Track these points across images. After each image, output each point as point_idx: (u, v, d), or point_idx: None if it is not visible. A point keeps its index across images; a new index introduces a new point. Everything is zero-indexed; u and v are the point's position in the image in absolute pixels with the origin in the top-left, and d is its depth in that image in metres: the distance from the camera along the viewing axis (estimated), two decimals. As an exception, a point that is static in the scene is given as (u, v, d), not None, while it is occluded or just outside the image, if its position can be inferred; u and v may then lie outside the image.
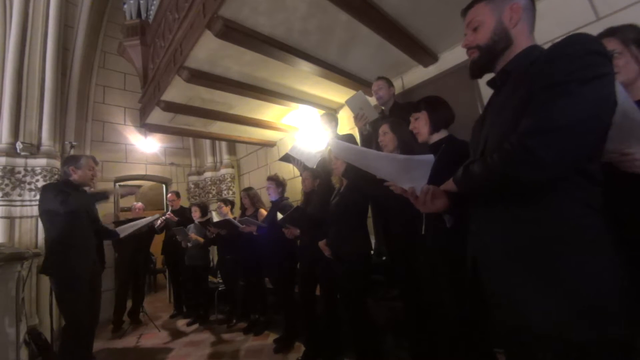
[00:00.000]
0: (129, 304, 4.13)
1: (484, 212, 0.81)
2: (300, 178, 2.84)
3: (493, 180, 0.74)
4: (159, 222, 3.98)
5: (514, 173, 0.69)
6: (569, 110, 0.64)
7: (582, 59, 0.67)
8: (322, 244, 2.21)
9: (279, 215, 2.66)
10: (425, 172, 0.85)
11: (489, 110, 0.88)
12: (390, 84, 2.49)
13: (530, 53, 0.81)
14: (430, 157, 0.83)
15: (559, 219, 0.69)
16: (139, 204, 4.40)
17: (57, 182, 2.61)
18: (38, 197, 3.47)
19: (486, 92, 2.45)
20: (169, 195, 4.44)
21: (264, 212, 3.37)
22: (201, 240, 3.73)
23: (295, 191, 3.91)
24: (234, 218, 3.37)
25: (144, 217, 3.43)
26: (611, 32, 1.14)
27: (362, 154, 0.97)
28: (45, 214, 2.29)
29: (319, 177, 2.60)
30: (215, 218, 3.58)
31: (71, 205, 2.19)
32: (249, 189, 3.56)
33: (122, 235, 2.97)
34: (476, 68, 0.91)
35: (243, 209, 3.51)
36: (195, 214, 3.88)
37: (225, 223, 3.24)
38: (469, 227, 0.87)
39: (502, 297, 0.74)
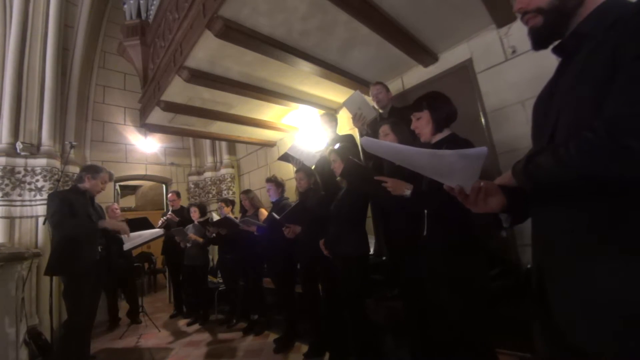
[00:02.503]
0: (125, 304, 4.17)
1: (550, 213, 0.67)
2: (300, 178, 2.84)
3: (567, 176, 0.59)
4: (160, 222, 4.00)
5: (598, 169, 0.54)
6: None
7: None
8: (321, 243, 2.23)
9: (276, 216, 2.66)
10: (476, 167, 0.72)
11: (558, 85, 0.71)
12: (387, 89, 2.51)
13: (610, 9, 0.63)
14: (482, 150, 0.70)
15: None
16: (114, 205, 4.06)
17: (64, 190, 2.76)
18: (38, 197, 3.53)
19: (486, 92, 2.45)
20: (170, 195, 4.44)
21: (264, 211, 3.37)
22: (200, 240, 3.73)
23: (295, 191, 3.91)
24: (235, 218, 3.38)
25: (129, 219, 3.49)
26: None
27: (400, 150, 0.86)
28: (52, 220, 2.42)
29: (312, 175, 2.60)
30: (216, 218, 3.59)
31: (63, 231, 2.32)
32: (248, 191, 3.57)
33: (126, 247, 3.08)
34: (542, 37, 0.72)
35: (243, 210, 3.52)
36: (195, 214, 3.88)
37: (224, 221, 3.24)
38: (532, 229, 0.74)
39: (569, 318, 0.63)
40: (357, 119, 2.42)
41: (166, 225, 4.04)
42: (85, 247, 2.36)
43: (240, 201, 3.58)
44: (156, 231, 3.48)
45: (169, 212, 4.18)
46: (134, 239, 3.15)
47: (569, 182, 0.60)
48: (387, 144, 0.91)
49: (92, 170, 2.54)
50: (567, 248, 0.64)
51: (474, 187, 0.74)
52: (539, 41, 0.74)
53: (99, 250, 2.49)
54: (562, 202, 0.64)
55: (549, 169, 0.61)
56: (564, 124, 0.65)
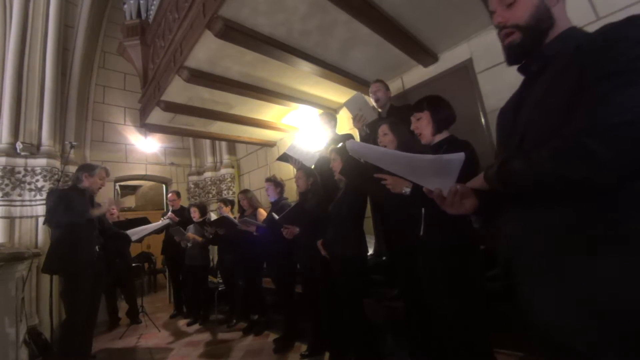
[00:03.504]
0: (125, 304, 4.18)
1: (521, 213, 0.72)
2: (300, 178, 2.83)
3: (538, 179, 0.65)
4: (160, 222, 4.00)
5: (567, 173, 0.60)
6: (634, 103, 0.54)
7: (633, 47, 0.57)
8: (319, 243, 2.23)
9: (275, 216, 2.66)
10: (454, 172, 0.77)
11: (525, 99, 0.77)
12: (387, 87, 2.51)
13: (573, 35, 0.72)
14: (460, 156, 0.74)
15: (615, 223, 0.59)
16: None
17: (64, 188, 2.79)
18: (38, 197, 3.53)
19: (486, 92, 2.45)
20: (170, 195, 4.43)
21: (262, 211, 3.37)
22: (199, 239, 3.73)
23: (294, 191, 3.91)
24: (234, 218, 3.38)
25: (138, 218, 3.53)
26: None
27: (383, 154, 0.90)
28: (50, 217, 2.45)
29: (312, 175, 2.60)
30: (214, 218, 3.59)
31: (71, 217, 2.34)
32: (246, 191, 3.57)
33: (133, 239, 3.15)
34: (517, 52, 0.78)
35: (241, 210, 3.51)
36: (195, 215, 3.88)
37: (221, 221, 3.24)
38: (501, 228, 0.78)
39: (540, 309, 0.67)
40: (357, 120, 2.42)
41: (166, 225, 4.04)
42: (83, 245, 2.37)
43: (239, 201, 3.58)
44: (159, 222, 3.66)
45: (169, 212, 4.18)
46: (139, 232, 3.29)
47: (540, 185, 0.65)
48: (370, 148, 0.94)
49: (88, 169, 2.56)
50: (537, 248, 0.67)
51: (452, 190, 0.79)
52: (514, 57, 0.79)
53: (97, 249, 2.50)
54: (531, 204, 0.69)
55: (522, 173, 0.67)
56: (532, 134, 0.71)
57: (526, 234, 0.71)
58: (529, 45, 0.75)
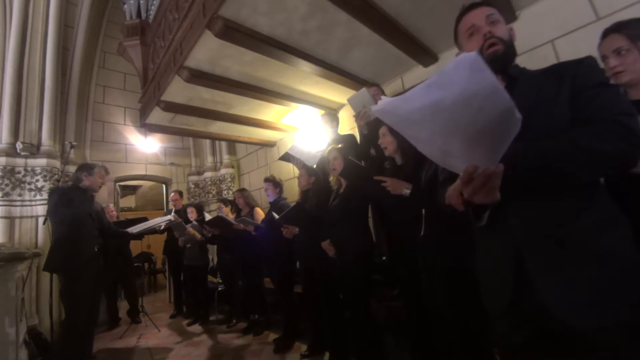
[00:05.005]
0: (125, 304, 4.19)
1: (531, 204, 0.74)
2: (300, 178, 2.83)
3: (577, 158, 0.67)
4: (163, 225, 4.00)
5: (620, 146, 0.65)
6: (627, 104, 0.73)
7: (604, 72, 0.80)
8: (325, 244, 2.20)
9: (275, 216, 2.66)
10: (508, 140, 0.59)
11: None
12: (382, 91, 2.51)
13: (521, 67, 0.90)
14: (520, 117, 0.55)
15: (606, 210, 0.73)
16: (110, 206, 4.17)
17: (65, 186, 2.81)
18: (38, 197, 3.53)
19: (486, 92, 2.45)
20: (172, 194, 4.43)
21: (260, 211, 3.36)
22: (198, 235, 3.72)
23: (294, 191, 3.90)
24: (232, 218, 3.37)
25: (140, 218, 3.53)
26: (618, 27, 1.10)
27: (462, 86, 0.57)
28: (53, 214, 2.46)
29: (314, 174, 2.60)
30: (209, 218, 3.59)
31: (70, 214, 2.36)
32: (243, 190, 3.57)
33: (135, 232, 3.19)
34: (500, 61, 0.85)
35: (237, 209, 3.50)
36: (192, 215, 3.88)
37: (217, 220, 3.23)
38: (505, 221, 0.77)
39: (558, 297, 0.69)
40: (360, 117, 2.39)
41: (168, 227, 4.03)
42: (84, 243, 2.39)
43: (234, 199, 3.57)
44: (163, 218, 3.69)
45: (172, 214, 4.16)
46: (141, 226, 3.32)
47: (573, 163, 0.68)
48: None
49: (87, 168, 2.58)
50: (556, 234, 0.71)
51: (497, 171, 0.62)
52: (497, 64, 0.85)
53: (95, 249, 2.50)
54: (546, 193, 0.73)
55: (558, 153, 0.68)
56: (525, 134, 0.74)
57: (543, 224, 0.73)
58: (507, 60, 0.86)
